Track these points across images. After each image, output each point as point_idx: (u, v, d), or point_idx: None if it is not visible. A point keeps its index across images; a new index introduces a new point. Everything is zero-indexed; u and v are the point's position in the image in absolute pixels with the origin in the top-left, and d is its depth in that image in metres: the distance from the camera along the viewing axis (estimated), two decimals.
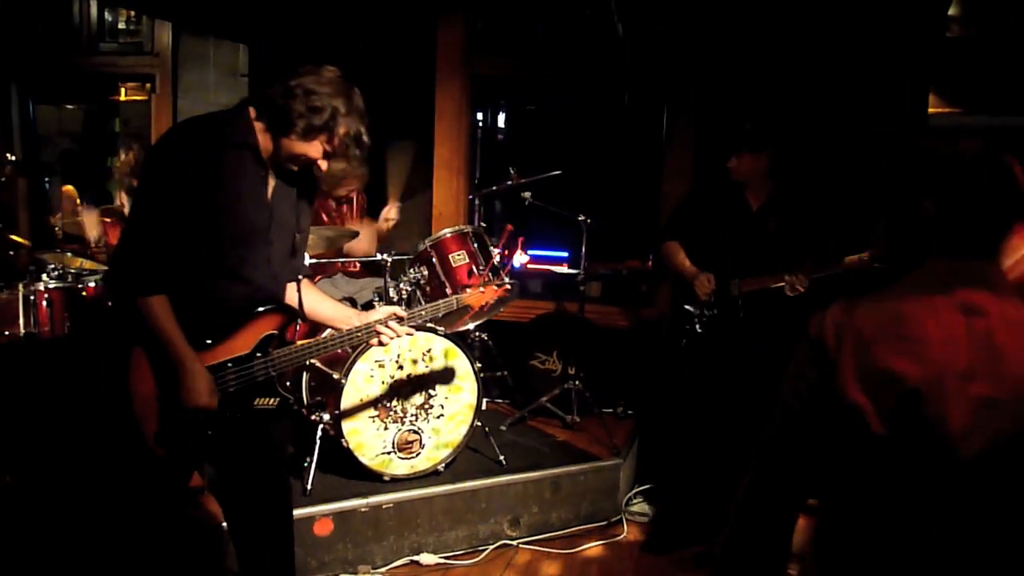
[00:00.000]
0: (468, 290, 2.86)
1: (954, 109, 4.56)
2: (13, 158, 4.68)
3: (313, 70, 2.23)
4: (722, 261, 3.84)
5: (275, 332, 2.35)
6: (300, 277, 2.48)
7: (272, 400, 2.37)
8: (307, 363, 3.63)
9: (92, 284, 3.88)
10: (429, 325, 3.57)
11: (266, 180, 2.30)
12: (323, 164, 2.29)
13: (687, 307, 3.92)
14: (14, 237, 4.10)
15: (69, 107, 6.92)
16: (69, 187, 5.55)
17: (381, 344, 2.54)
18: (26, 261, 4.18)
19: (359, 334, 2.50)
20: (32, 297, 3.78)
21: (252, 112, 2.26)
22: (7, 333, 3.72)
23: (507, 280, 3.02)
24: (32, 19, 6.01)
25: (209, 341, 2.27)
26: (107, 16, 6.13)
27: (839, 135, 4.46)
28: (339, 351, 3.59)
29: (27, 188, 5.83)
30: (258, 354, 2.33)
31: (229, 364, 2.29)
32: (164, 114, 5.75)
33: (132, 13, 6.18)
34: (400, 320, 2.54)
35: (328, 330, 2.66)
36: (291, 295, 2.46)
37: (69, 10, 6.12)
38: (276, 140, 2.25)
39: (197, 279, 2.23)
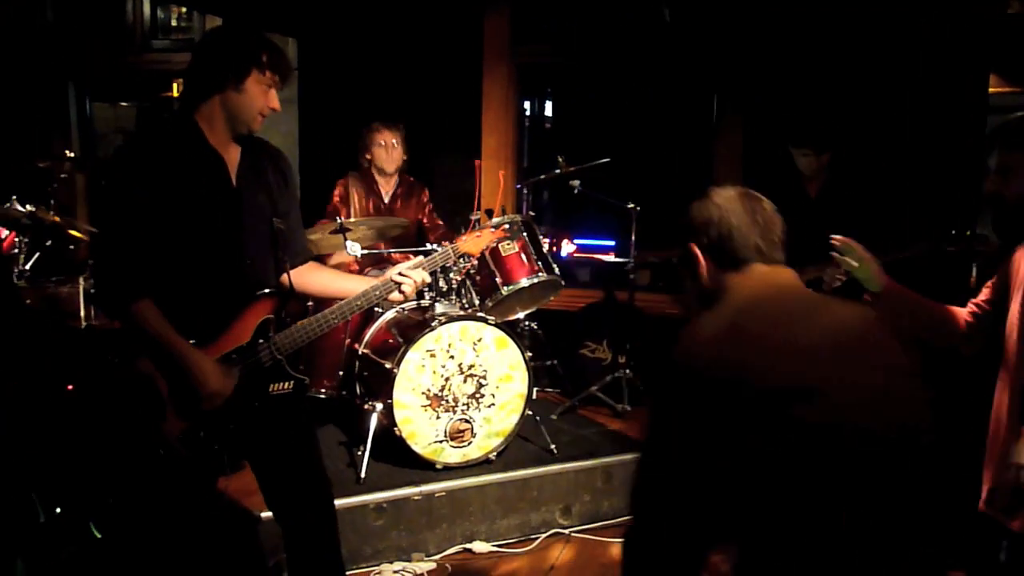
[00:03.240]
0: (463, 237, 2.76)
1: (1016, 88, 4.42)
2: (72, 155, 4.78)
3: (204, 36, 2.27)
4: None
5: (271, 316, 2.34)
6: (298, 261, 2.48)
7: (287, 384, 2.37)
8: (359, 353, 3.69)
9: None
10: (480, 314, 3.59)
11: (224, 167, 2.28)
12: (275, 102, 2.27)
13: None
14: (73, 232, 4.19)
15: (123, 104, 7.05)
16: None
17: (403, 293, 2.51)
18: (85, 255, 4.28)
19: (375, 292, 2.46)
20: (92, 291, 3.87)
21: (195, 110, 2.26)
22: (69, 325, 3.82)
23: (505, 218, 2.91)
24: (88, 19, 6.14)
25: (206, 337, 2.25)
26: (159, 13, 6.24)
27: (898, 119, 4.36)
28: (390, 339, 3.64)
29: (85, 184, 5.99)
30: (260, 340, 2.32)
31: (233, 355, 2.28)
32: None
33: (183, 10, 6.28)
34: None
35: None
36: (297, 280, 2.45)
37: (123, 9, 6.24)
38: (225, 113, 2.23)
39: (176, 278, 2.23)
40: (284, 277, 2.43)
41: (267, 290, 2.33)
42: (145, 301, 2.16)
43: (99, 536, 3.14)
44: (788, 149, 3.84)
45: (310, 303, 3.53)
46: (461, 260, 3.11)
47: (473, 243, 2.76)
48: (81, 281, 3.89)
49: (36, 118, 6.01)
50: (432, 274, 3.78)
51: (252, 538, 3.02)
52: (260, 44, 2.23)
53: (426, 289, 3.88)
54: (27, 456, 3.07)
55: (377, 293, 2.47)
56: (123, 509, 3.18)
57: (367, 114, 4.61)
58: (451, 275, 3.75)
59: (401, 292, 2.51)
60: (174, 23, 6.28)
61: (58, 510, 3.19)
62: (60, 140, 5.87)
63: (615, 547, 3.51)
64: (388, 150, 4.43)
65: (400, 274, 2.49)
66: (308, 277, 2.52)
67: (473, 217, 3.94)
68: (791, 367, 1.37)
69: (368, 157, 4.48)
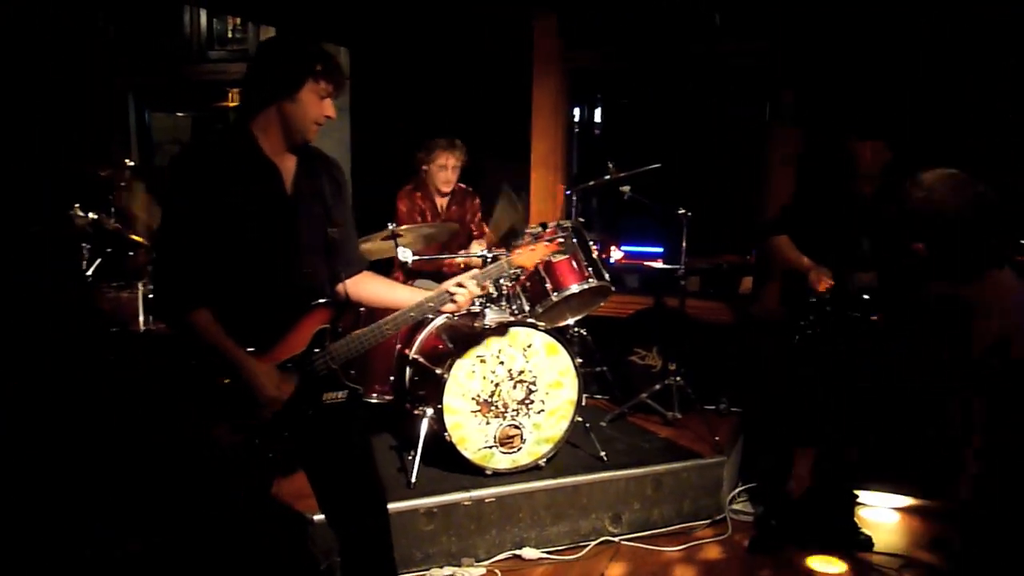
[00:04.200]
0: (518, 250, 2.77)
1: None
2: (131, 163, 4.90)
3: (260, 47, 2.31)
4: (838, 255, 3.66)
5: (326, 326, 2.36)
6: (353, 271, 2.50)
7: (341, 394, 2.39)
8: (410, 359, 3.72)
9: None
10: (530, 320, 3.59)
11: (279, 178, 2.30)
12: (331, 110, 2.29)
13: (811, 300, 3.77)
14: (134, 237, 4.30)
15: (180, 115, 7.21)
16: None
17: (455, 302, 2.52)
18: (144, 260, 4.38)
19: (430, 304, 2.48)
20: (151, 296, 3.96)
21: (251, 119, 2.29)
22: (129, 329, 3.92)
23: (560, 233, 2.91)
24: (147, 31, 6.30)
25: (263, 346, 2.28)
26: (215, 25, 6.37)
27: (958, 115, 4.24)
28: (440, 345, 3.66)
29: (144, 191, 6.13)
30: (315, 350, 2.34)
31: (288, 364, 2.30)
32: None
33: (238, 21, 6.40)
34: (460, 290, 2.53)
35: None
36: (351, 289, 2.47)
37: (180, 21, 6.39)
38: (281, 122, 2.26)
39: (233, 287, 2.25)
40: (340, 286, 2.45)
41: (323, 300, 2.35)
42: (202, 310, 2.19)
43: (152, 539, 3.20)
44: (848, 145, 3.75)
45: (362, 310, 3.56)
46: (514, 273, 3.11)
47: (527, 256, 2.78)
48: (140, 287, 3.99)
49: (97, 128, 6.17)
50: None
51: (304, 541, 3.06)
52: (315, 54, 2.25)
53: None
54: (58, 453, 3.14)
55: (431, 305, 2.49)
56: (179, 511, 3.24)
57: (418, 122, 4.65)
58: (501, 281, 3.75)
59: (454, 303, 2.53)
60: (229, 34, 6.41)
61: (115, 510, 3.26)
62: (120, 149, 6.03)
63: (665, 556, 3.48)
64: (448, 173, 4.46)
65: (456, 286, 2.51)
66: (362, 287, 2.54)
67: (529, 230, 3.95)
68: None
69: (425, 169, 4.50)
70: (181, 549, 3.10)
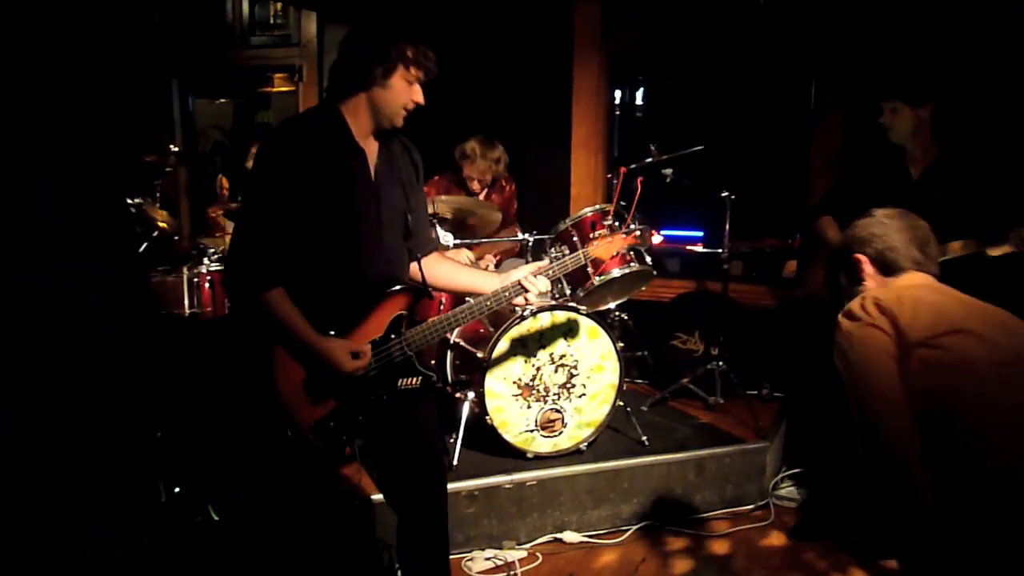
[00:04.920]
0: (595, 242, 2.71)
1: None
2: (175, 149, 4.95)
3: (351, 31, 2.29)
4: None
5: (404, 312, 2.36)
6: (426, 252, 2.52)
7: (415, 380, 2.40)
8: (452, 342, 3.72)
9: None
10: (571, 304, 3.57)
11: (365, 161, 2.31)
12: (419, 95, 2.29)
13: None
14: (161, 224, 4.35)
15: (221, 101, 7.27)
16: (223, 178, 5.86)
17: (526, 299, 2.51)
18: (187, 246, 4.44)
19: (505, 294, 2.46)
20: (195, 280, 4.02)
21: (340, 104, 2.29)
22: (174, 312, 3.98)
23: (634, 226, 2.85)
24: (190, 18, 6.35)
25: (342, 329, 2.28)
26: (257, 11, 6.40)
27: (1011, 87, 4.11)
28: (481, 329, 3.67)
29: (187, 177, 6.21)
30: (392, 336, 2.35)
31: (370, 348, 2.32)
32: (310, 103, 5.96)
33: (279, 7, 6.43)
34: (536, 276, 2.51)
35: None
36: (419, 271, 2.47)
37: (223, 7, 6.43)
38: (370, 107, 2.26)
39: (316, 269, 2.25)
40: (414, 269, 2.47)
41: (400, 286, 2.36)
42: (277, 289, 2.20)
43: (216, 519, 3.24)
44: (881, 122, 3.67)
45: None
46: (590, 266, 3.06)
47: (604, 248, 2.71)
48: (184, 271, 4.04)
49: (142, 114, 6.25)
50: (523, 264, 3.82)
51: (370, 522, 3.10)
52: (407, 40, 2.25)
53: None
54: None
55: (507, 295, 2.47)
56: (245, 492, 3.29)
57: (460, 106, 4.62)
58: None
59: (525, 299, 2.51)
60: (271, 20, 6.44)
61: (176, 490, 3.31)
62: (165, 135, 6.10)
63: (707, 541, 3.46)
64: (474, 183, 4.46)
65: (526, 278, 2.48)
66: (434, 268, 2.54)
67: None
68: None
69: (461, 165, 4.49)
70: (243, 528, 3.15)
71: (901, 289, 2.01)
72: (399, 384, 2.39)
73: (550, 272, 2.54)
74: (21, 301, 3.08)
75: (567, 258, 2.61)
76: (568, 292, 3.83)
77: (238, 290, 2.30)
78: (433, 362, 3.86)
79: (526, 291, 2.47)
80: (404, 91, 2.26)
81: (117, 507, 3.14)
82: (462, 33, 5.54)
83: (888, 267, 2.10)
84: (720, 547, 3.43)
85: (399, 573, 2.70)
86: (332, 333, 2.26)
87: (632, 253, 3.80)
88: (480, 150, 4.40)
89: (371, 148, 2.34)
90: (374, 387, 2.34)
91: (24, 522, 2.93)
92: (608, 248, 2.72)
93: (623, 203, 4.13)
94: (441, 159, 4.63)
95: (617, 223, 3.51)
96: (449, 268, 2.59)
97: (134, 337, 3.45)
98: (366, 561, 3.07)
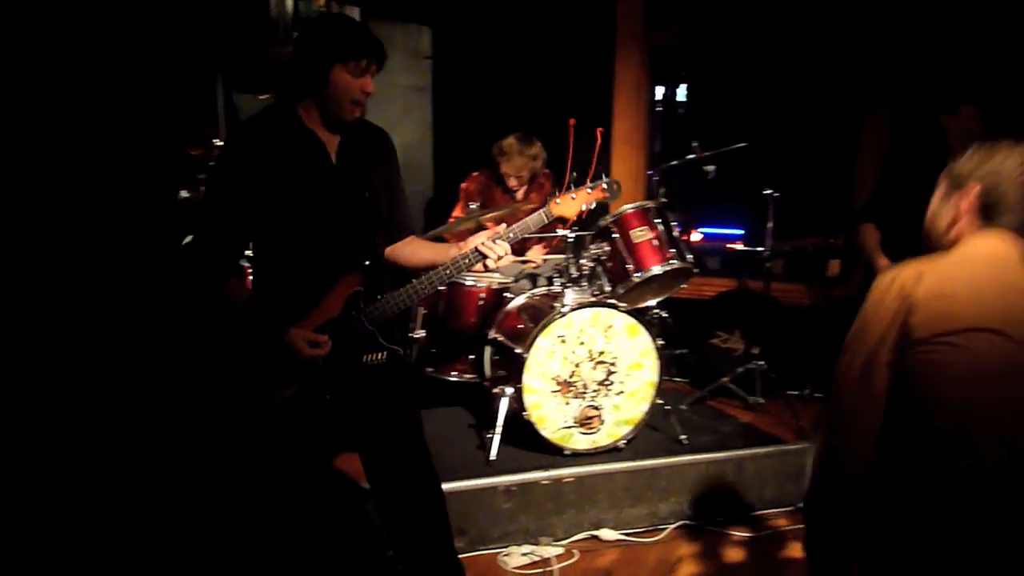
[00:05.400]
0: (558, 199, 2.62)
1: None
2: (219, 143, 5.01)
3: (305, 30, 2.34)
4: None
5: (359, 289, 2.39)
6: (403, 235, 2.58)
7: (380, 355, 2.42)
8: (490, 338, 3.73)
9: None
10: (610, 301, 3.56)
11: (323, 150, 2.36)
12: (370, 86, 2.30)
13: None
14: None
15: (262, 97, 7.34)
16: None
17: (487, 268, 2.49)
18: None
19: (464, 261, 2.45)
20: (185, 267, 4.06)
21: (294, 100, 2.34)
22: None
23: (604, 180, 2.70)
24: (235, 14, 6.42)
25: (299, 311, 2.32)
26: (301, 7, 6.45)
27: None
28: (520, 325, 3.67)
29: None
30: (352, 312, 2.38)
31: (324, 328, 2.34)
32: None
33: (322, 1, 6.48)
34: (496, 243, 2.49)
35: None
36: (395, 253, 2.54)
37: (266, 3, 6.49)
38: (318, 104, 2.32)
39: (278, 255, 2.33)
40: (391, 252, 2.55)
41: (355, 264, 2.39)
42: (234, 280, 2.31)
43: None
44: (940, 120, 3.61)
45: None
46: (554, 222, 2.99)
47: (568, 205, 2.63)
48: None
49: (187, 108, 6.34)
50: (563, 260, 3.81)
51: (364, 515, 3.08)
52: (342, 35, 2.27)
53: (556, 275, 3.90)
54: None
55: (466, 262, 2.46)
56: (243, 491, 3.30)
57: (500, 102, 4.63)
58: (582, 261, 3.73)
59: (484, 265, 2.49)
60: (315, 16, 6.49)
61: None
62: (209, 130, 6.17)
63: (746, 541, 3.42)
64: (512, 180, 4.46)
65: (484, 244, 2.46)
66: (408, 250, 2.60)
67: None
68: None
69: (498, 162, 4.50)
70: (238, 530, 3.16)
71: (962, 263, 1.81)
72: (364, 359, 2.41)
73: (509, 235, 2.51)
74: (21, 301, 3.12)
75: (528, 219, 2.54)
76: (608, 289, 3.82)
77: (203, 283, 2.35)
78: (472, 357, 3.86)
79: (485, 256, 2.46)
80: (349, 85, 2.28)
81: (117, 507, 3.16)
82: (503, 30, 5.55)
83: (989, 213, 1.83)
84: (758, 548, 3.40)
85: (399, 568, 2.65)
86: (301, 313, 2.31)
87: (673, 250, 3.78)
88: (518, 147, 4.40)
89: (331, 138, 2.38)
90: (338, 365, 2.36)
91: (24, 522, 2.96)
92: (573, 205, 2.64)
93: (664, 200, 4.12)
94: (479, 157, 4.65)
95: (576, 176, 3.41)
96: (414, 247, 2.61)
97: (134, 337, 3.48)
98: (365, 557, 3.06)
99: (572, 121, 3.21)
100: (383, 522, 2.55)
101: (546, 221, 2.59)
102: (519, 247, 4.40)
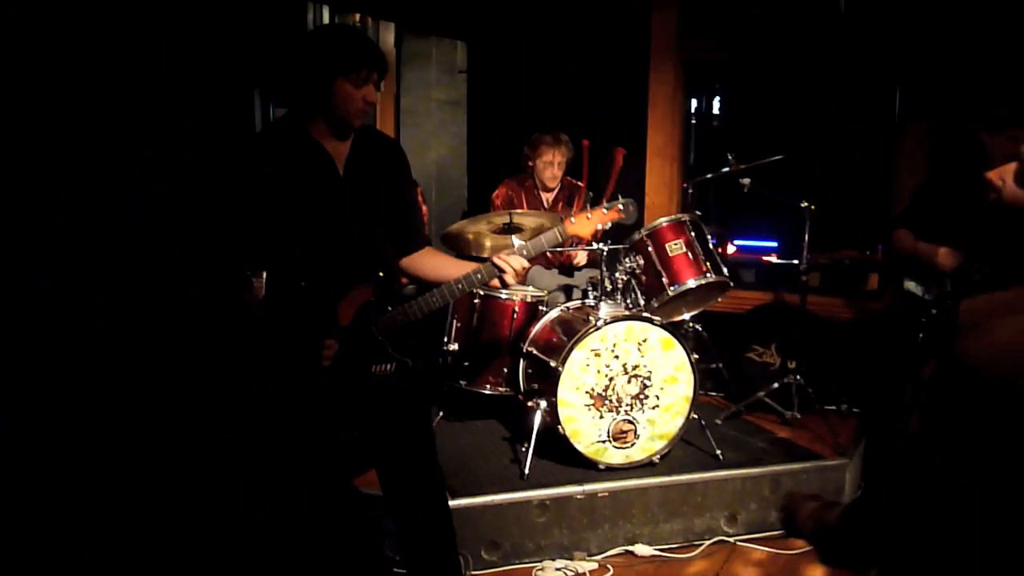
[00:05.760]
0: (573, 218, 2.63)
1: None
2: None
3: (304, 43, 2.37)
4: (966, 251, 3.49)
5: (372, 300, 2.40)
6: (415, 247, 2.58)
7: (388, 366, 2.43)
8: (524, 351, 3.73)
9: None
10: (645, 314, 3.55)
11: (330, 161, 2.37)
12: (373, 94, 2.32)
13: (910, 287, 3.61)
14: None
15: None
16: None
17: (504, 284, 2.52)
18: None
19: (477, 276, 2.47)
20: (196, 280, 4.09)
21: (300, 113, 2.37)
22: None
23: (620, 202, 2.73)
24: (272, 28, 6.51)
25: (312, 319, 2.33)
26: (337, 21, 6.53)
27: None
28: (554, 338, 3.66)
29: None
30: (363, 322, 2.39)
31: (336, 336, 2.35)
32: (388, 111, 6.04)
33: (358, 16, 6.55)
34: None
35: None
36: (409, 265, 2.55)
37: (304, 18, 6.58)
38: (324, 116, 2.33)
39: (286, 264, 2.33)
40: (405, 264, 2.56)
41: (367, 275, 2.42)
42: (241, 291, 2.29)
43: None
44: (981, 136, 3.56)
45: (410, 286, 3.60)
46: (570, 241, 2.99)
47: (583, 224, 2.64)
48: (263, 273, 4.13)
49: (224, 121, 6.42)
50: (597, 274, 3.81)
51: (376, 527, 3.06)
52: (342, 47, 2.29)
53: (590, 288, 3.90)
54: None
55: (479, 277, 2.49)
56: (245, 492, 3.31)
57: (534, 116, 4.66)
58: (616, 275, 3.72)
59: (501, 280, 2.51)
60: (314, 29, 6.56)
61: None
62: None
63: (783, 559, 3.38)
64: (554, 169, 4.48)
65: (499, 258, 2.48)
66: (423, 262, 2.60)
67: (583, 198, 3.87)
68: None
69: (530, 165, 4.54)
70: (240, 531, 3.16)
71: None
72: (372, 369, 2.42)
73: (524, 251, 2.52)
74: (21, 301, 3.15)
75: (542, 236, 2.56)
76: (642, 302, 3.81)
77: (218, 294, 2.37)
78: (506, 370, 3.86)
79: (502, 271, 2.47)
80: (350, 95, 2.30)
81: (117, 507, 3.18)
82: (537, 44, 5.57)
83: None
84: (795, 565, 3.35)
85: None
86: (312, 321, 2.32)
87: (708, 263, 3.76)
88: (548, 137, 4.47)
89: (339, 149, 2.40)
90: (346, 376, 2.37)
91: (24, 522, 2.96)
92: (588, 224, 2.64)
93: (699, 212, 4.10)
94: (513, 170, 4.67)
95: (592, 195, 3.40)
96: (437, 261, 2.63)
97: (134, 337, 3.49)
98: (368, 561, 3.05)
99: (585, 143, 3.23)
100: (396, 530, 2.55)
101: (560, 240, 2.61)
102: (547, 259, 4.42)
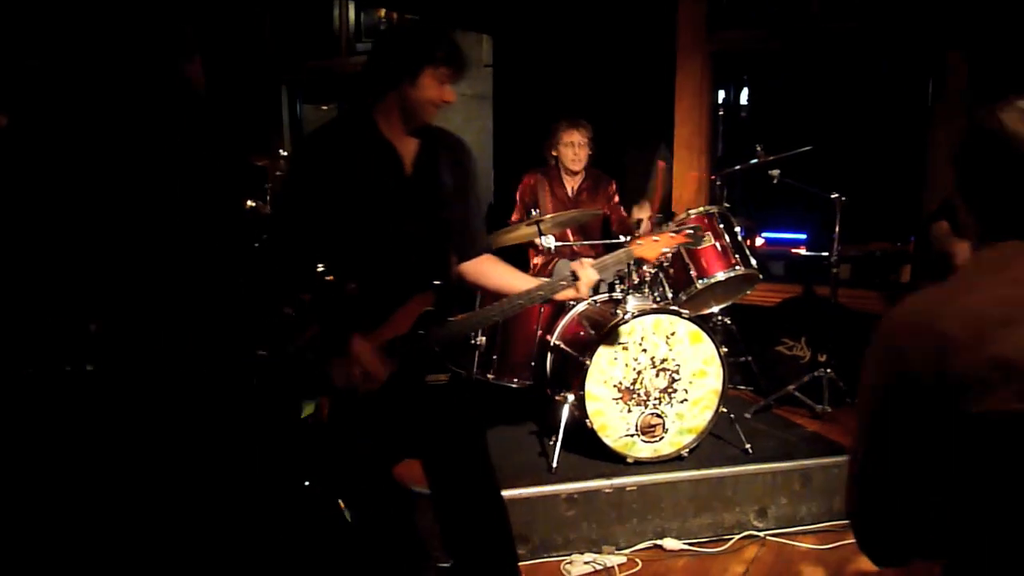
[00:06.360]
0: (639, 240, 2.63)
1: None
2: (285, 153, 5.12)
3: (380, 35, 2.32)
4: None
5: (431, 308, 2.36)
6: (474, 253, 2.53)
7: (443, 376, 2.40)
8: (552, 344, 3.72)
9: None
10: (673, 308, 3.52)
11: (397, 158, 2.34)
12: (450, 95, 2.30)
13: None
14: None
15: (324, 108, 7.48)
16: None
17: (577, 289, 2.50)
18: None
19: (538, 292, 2.45)
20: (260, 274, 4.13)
21: (372, 106, 2.33)
22: None
23: (690, 227, 2.71)
24: (299, 26, 6.56)
25: (369, 324, 2.31)
26: (363, 17, 6.57)
27: None
28: (582, 332, 3.66)
29: None
30: (420, 331, 2.35)
31: (391, 344, 2.33)
32: None
33: (383, 12, 6.57)
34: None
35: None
36: (469, 272, 2.50)
37: (330, 14, 6.62)
38: (400, 106, 2.29)
39: (348, 265, 2.30)
40: (462, 270, 2.50)
41: (431, 283, 2.37)
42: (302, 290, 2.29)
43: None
44: None
45: (479, 294, 3.59)
46: (634, 264, 2.96)
47: (650, 247, 2.64)
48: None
49: (253, 119, 6.48)
50: (627, 266, 3.79)
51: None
52: (435, 40, 2.27)
53: (617, 281, 3.88)
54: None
55: (541, 293, 2.47)
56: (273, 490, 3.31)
57: (560, 109, 4.64)
58: (643, 267, 3.70)
59: (576, 290, 2.48)
60: (377, 27, 6.59)
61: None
62: (276, 140, 6.31)
63: (814, 554, 3.35)
64: (575, 149, 4.45)
65: (573, 274, 2.47)
66: (483, 270, 2.55)
67: (645, 216, 3.83)
68: None
69: (554, 154, 4.53)
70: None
71: None
72: (427, 380, 2.39)
73: (596, 266, 2.51)
74: (21, 301, 3.17)
75: (609, 256, 2.57)
76: (670, 296, 3.79)
77: (282, 290, 2.37)
78: (533, 364, 3.87)
79: (577, 279, 2.45)
80: (433, 89, 2.27)
81: (117, 507, 3.20)
82: (563, 37, 5.54)
83: None
84: (826, 560, 3.32)
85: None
86: (370, 326, 2.30)
87: (737, 256, 3.73)
88: (569, 121, 4.46)
89: (407, 147, 2.36)
90: (400, 383, 2.34)
91: (24, 522, 2.96)
92: (654, 248, 2.64)
93: (727, 205, 4.07)
94: (538, 163, 4.65)
95: (685, 216, 3.39)
96: (500, 270, 2.58)
97: (134, 337, 3.51)
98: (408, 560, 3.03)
99: (661, 164, 3.20)
100: (442, 535, 2.50)
101: (626, 261, 2.64)
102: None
